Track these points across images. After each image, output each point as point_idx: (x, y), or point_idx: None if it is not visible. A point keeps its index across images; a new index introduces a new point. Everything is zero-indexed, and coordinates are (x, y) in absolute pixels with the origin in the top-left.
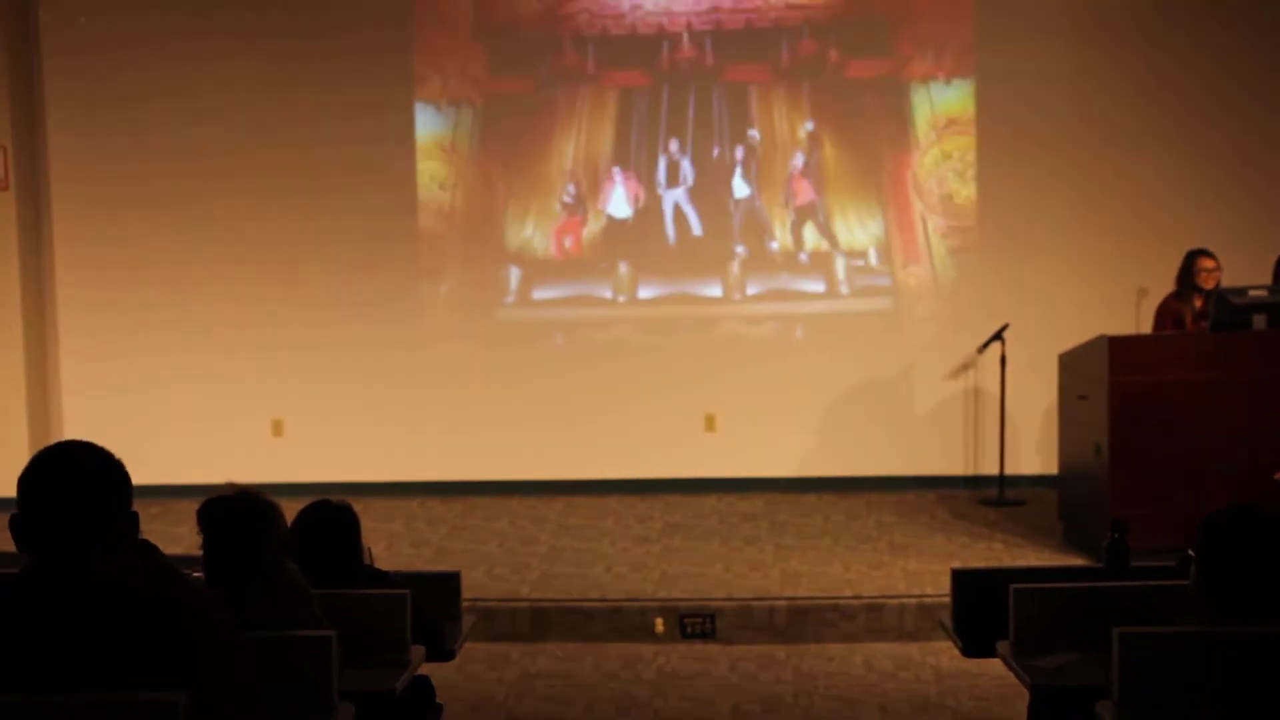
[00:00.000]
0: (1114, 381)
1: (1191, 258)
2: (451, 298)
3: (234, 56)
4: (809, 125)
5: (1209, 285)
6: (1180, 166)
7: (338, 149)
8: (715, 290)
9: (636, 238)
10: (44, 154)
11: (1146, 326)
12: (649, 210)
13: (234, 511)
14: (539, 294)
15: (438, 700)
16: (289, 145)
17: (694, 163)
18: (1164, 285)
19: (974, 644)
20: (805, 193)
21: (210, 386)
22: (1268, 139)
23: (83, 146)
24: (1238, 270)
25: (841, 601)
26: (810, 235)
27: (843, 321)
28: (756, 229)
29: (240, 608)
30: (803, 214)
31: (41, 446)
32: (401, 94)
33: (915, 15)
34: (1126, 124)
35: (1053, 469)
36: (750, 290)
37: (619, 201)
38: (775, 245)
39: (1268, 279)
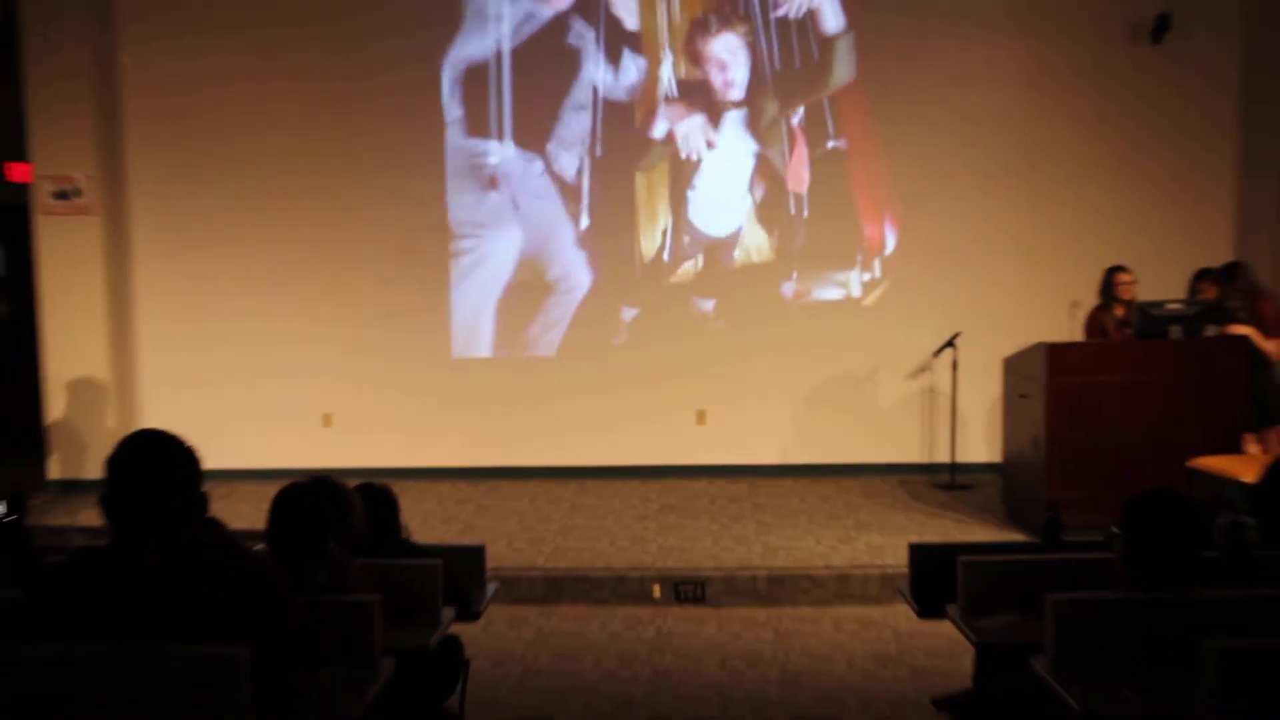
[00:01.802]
0: (1052, 383)
1: (1111, 273)
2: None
3: (295, 97)
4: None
5: (1127, 296)
6: (1108, 198)
7: (379, 177)
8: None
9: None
10: (125, 183)
11: (1078, 334)
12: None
13: (313, 495)
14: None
15: (465, 655)
16: (336, 173)
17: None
18: (1092, 298)
19: (928, 607)
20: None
21: (270, 385)
22: (1184, 172)
23: (159, 177)
24: (1157, 286)
25: (814, 571)
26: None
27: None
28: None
29: (303, 577)
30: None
31: (123, 435)
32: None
33: None
34: (1064, 162)
35: (997, 457)
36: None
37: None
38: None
39: (1183, 294)
